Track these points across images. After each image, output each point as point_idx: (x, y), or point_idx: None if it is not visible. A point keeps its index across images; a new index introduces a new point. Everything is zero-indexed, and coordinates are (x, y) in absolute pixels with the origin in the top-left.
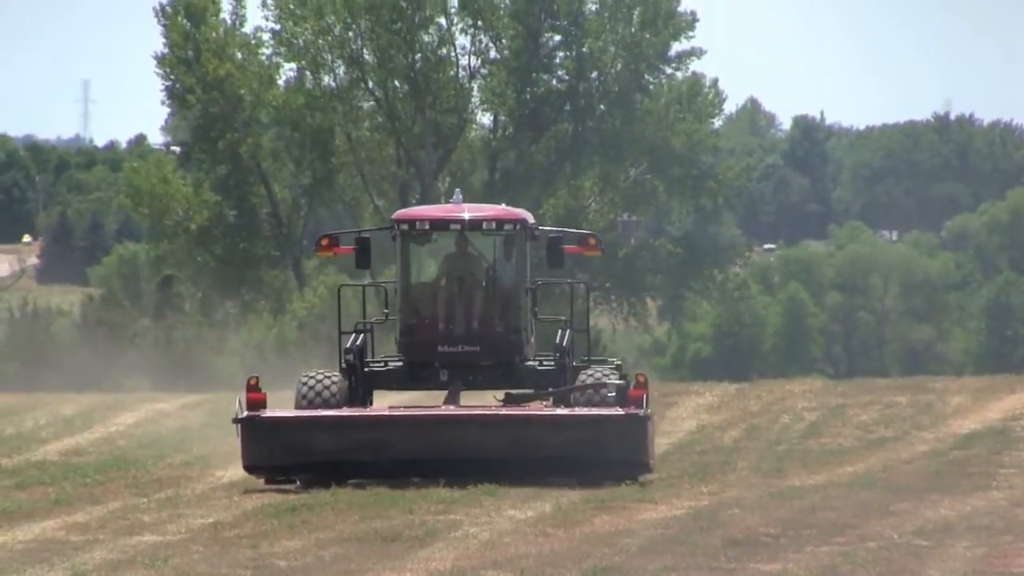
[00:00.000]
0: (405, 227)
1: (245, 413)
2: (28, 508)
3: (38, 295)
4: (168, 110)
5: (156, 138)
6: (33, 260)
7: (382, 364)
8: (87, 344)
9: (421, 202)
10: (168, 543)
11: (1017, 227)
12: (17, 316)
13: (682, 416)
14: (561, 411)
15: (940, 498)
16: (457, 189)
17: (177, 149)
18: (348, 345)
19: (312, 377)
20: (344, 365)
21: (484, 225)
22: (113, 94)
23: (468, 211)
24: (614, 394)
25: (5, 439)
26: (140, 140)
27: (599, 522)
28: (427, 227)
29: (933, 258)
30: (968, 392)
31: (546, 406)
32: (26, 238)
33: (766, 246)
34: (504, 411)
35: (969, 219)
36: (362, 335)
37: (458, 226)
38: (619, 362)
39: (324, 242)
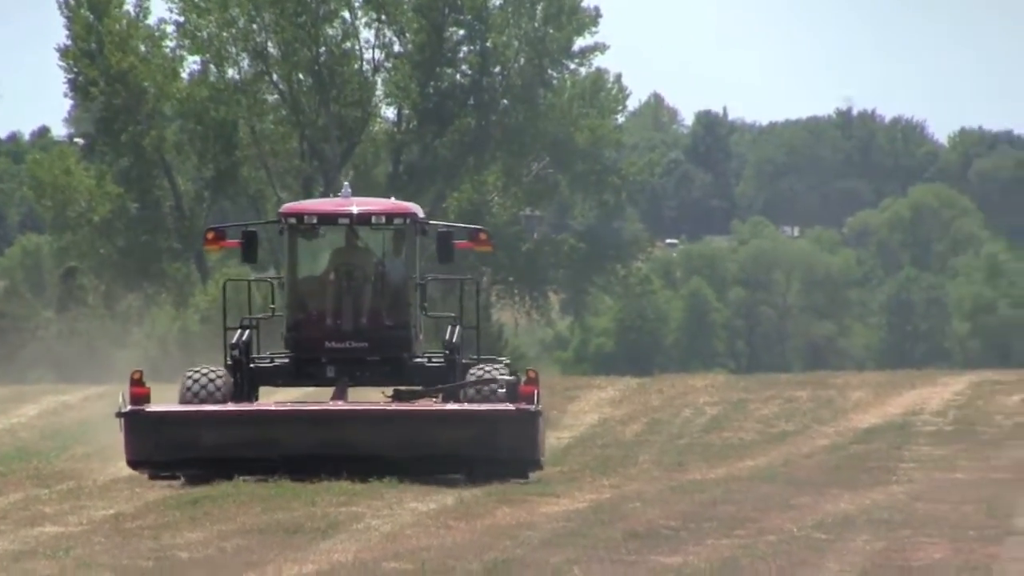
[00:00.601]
0: (292, 221)
1: (128, 407)
2: None
3: None
4: (71, 102)
5: (59, 130)
6: None
7: (268, 360)
8: None
9: (324, 195)
10: (70, 534)
11: (918, 224)
12: None
13: (584, 410)
14: (451, 407)
15: (840, 492)
16: (346, 183)
17: (80, 141)
18: (234, 340)
19: (197, 371)
20: (229, 361)
21: (373, 219)
22: (15, 85)
23: (357, 205)
24: (504, 390)
25: None
26: (43, 132)
27: (501, 515)
28: (315, 221)
29: (835, 254)
30: (868, 387)
31: (435, 402)
32: None
33: (668, 241)
34: (393, 407)
35: (871, 215)
36: (248, 330)
37: (347, 220)
38: (507, 360)
39: (210, 235)
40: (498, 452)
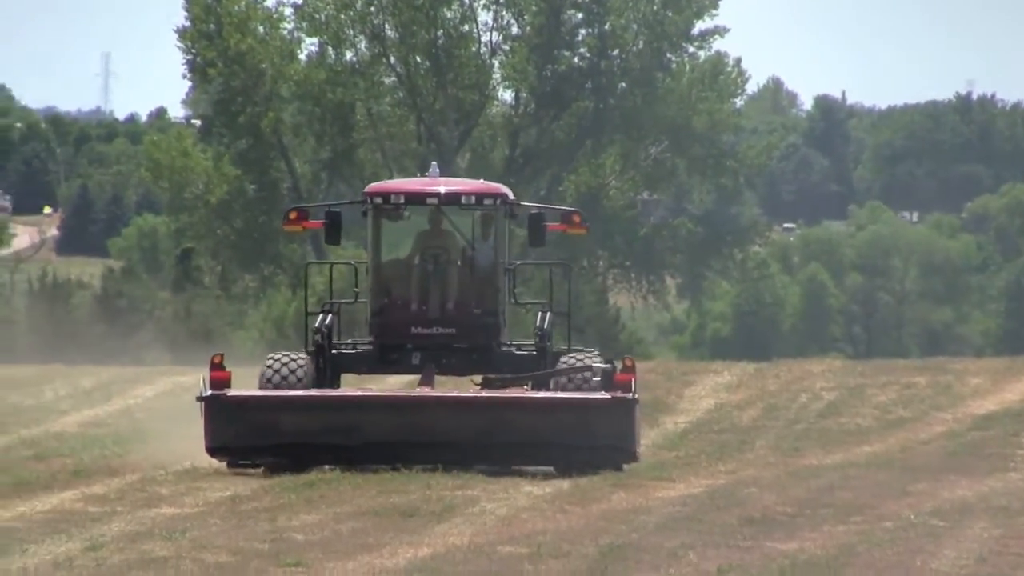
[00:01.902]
0: (378, 201)
1: (208, 392)
2: (46, 479)
3: (58, 267)
4: (189, 83)
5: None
6: (53, 232)
7: (351, 346)
8: (106, 316)
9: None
10: (186, 515)
11: None
12: (37, 288)
13: (700, 395)
14: (543, 394)
15: (957, 479)
16: (434, 162)
17: (198, 122)
18: (316, 325)
19: (278, 360)
20: (311, 347)
21: (462, 199)
22: (134, 67)
23: (444, 185)
24: (599, 378)
25: (24, 410)
26: (160, 113)
27: (616, 499)
28: (401, 201)
29: (953, 239)
30: (986, 373)
31: (526, 390)
32: (47, 210)
33: (786, 226)
34: (483, 394)
35: (990, 200)
36: (330, 315)
37: (434, 200)
38: (598, 351)
39: (292, 215)
40: (592, 442)
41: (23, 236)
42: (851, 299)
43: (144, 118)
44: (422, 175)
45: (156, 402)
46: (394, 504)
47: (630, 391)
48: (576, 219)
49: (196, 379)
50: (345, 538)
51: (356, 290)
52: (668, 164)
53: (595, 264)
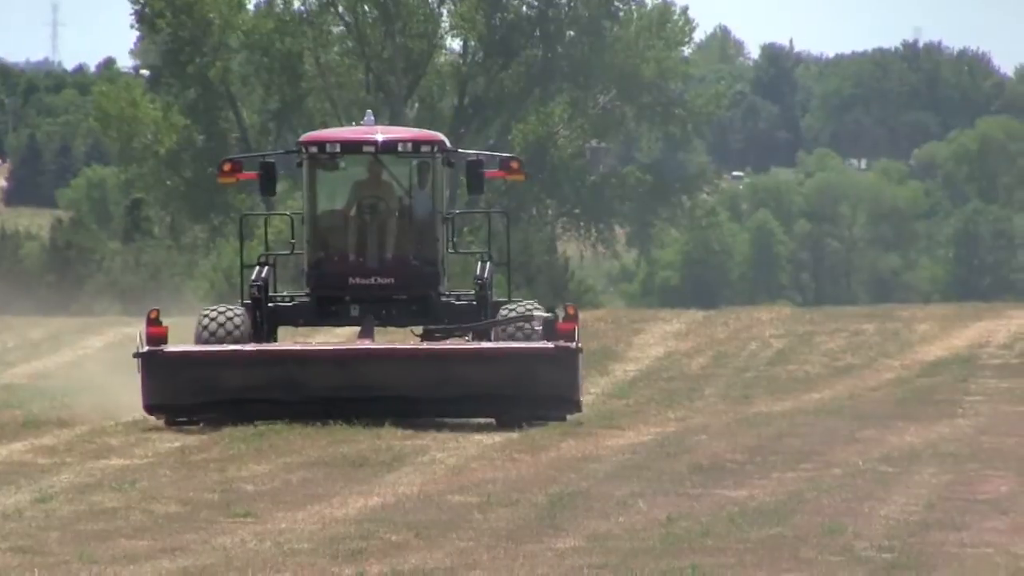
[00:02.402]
0: (313, 150)
1: (145, 348)
2: None
3: (6, 218)
4: (137, 34)
5: (125, 62)
6: (1, 183)
7: (288, 299)
8: (56, 267)
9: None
10: (135, 467)
11: (985, 156)
12: None
13: (649, 343)
14: (485, 345)
15: (906, 425)
16: (368, 111)
17: (146, 73)
18: (252, 278)
19: (214, 310)
20: (247, 300)
21: (399, 147)
22: (82, 17)
23: (381, 133)
24: (541, 327)
25: None
26: (109, 64)
27: (566, 448)
28: (337, 150)
29: (901, 186)
30: (935, 320)
31: (467, 341)
32: None
33: (735, 173)
34: (424, 346)
35: (938, 148)
36: (267, 268)
37: (371, 148)
38: (535, 302)
39: (226, 167)
40: (535, 393)
41: None
42: (799, 246)
43: (93, 68)
44: (357, 124)
45: (105, 353)
46: (343, 454)
47: (573, 340)
48: (514, 166)
49: (143, 329)
50: (295, 488)
51: (292, 241)
52: (616, 113)
53: (544, 213)
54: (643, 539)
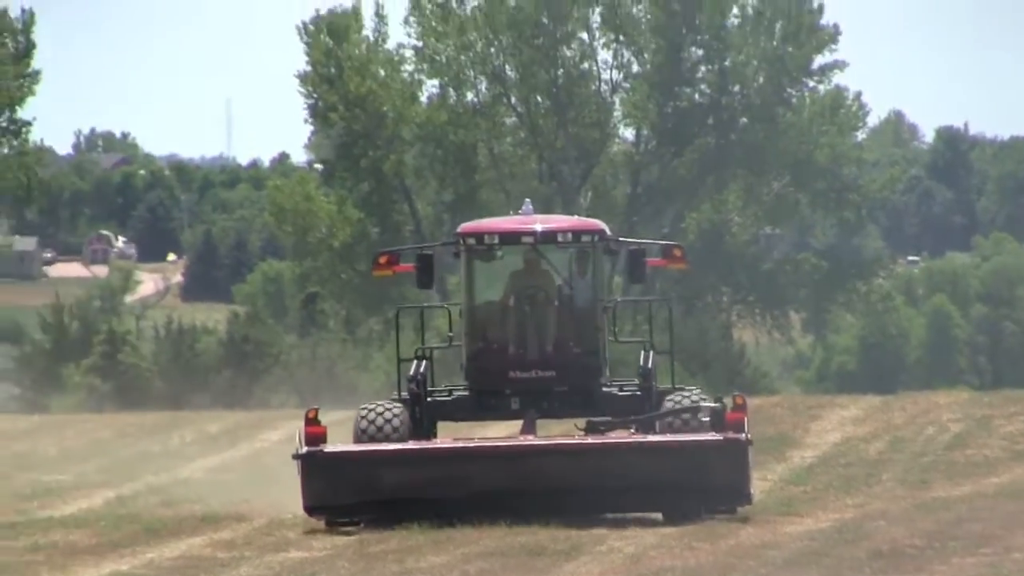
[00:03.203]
0: (472, 241)
1: (305, 449)
2: (174, 525)
3: (183, 313)
4: (311, 128)
5: (299, 156)
6: (178, 278)
7: (447, 393)
8: (233, 361)
9: None
10: (314, 559)
11: None
12: (163, 334)
13: (827, 429)
14: (653, 437)
15: None
16: (527, 199)
17: (320, 167)
18: (411, 373)
19: (372, 410)
20: (406, 395)
21: (559, 237)
22: (256, 113)
23: (540, 223)
24: (708, 418)
25: (152, 457)
26: (283, 158)
27: (744, 535)
28: (496, 241)
29: None
30: None
31: (632, 434)
32: (171, 256)
33: (910, 258)
34: (590, 440)
35: None
36: (424, 361)
37: (531, 239)
38: (699, 389)
39: (383, 260)
40: (705, 485)
41: (148, 283)
42: (977, 330)
43: (267, 163)
44: (514, 213)
45: (283, 446)
46: (521, 544)
47: (742, 431)
48: (677, 253)
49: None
50: None
51: (450, 334)
52: (790, 198)
53: (719, 300)
54: None
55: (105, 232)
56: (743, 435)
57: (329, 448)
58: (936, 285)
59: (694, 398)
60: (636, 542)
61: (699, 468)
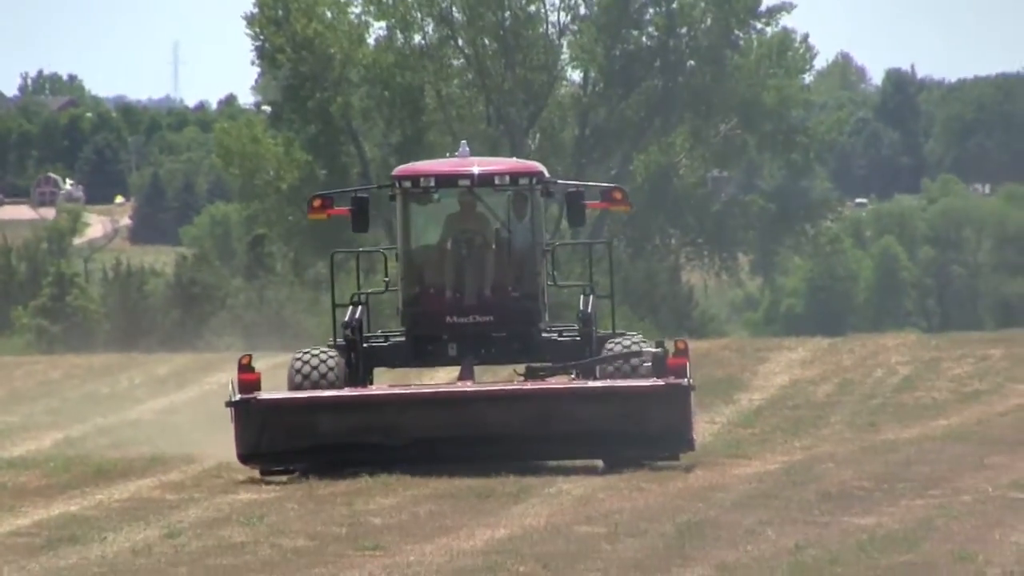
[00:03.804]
0: (407, 184)
1: (238, 396)
2: (124, 467)
3: (131, 255)
4: (258, 70)
5: (246, 98)
6: (126, 221)
7: (383, 339)
8: (180, 304)
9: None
10: (263, 501)
11: None
12: (111, 277)
13: (775, 371)
14: (593, 383)
15: None
16: (463, 141)
17: (267, 109)
18: (346, 319)
19: (307, 353)
20: (341, 341)
21: (496, 179)
22: (203, 55)
23: (477, 165)
24: (650, 363)
25: (100, 399)
26: (230, 100)
27: (693, 478)
28: (432, 183)
29: None
30: None
31: (572, 379)
32: (119, 199)
33: (858, 200)
34: (529, 385)
35: None
36: (360, 307)
37: (467, 182)
38: (640, 335)
39: (316, 203)
40: (647, 432)
41: (96, 226)
42: (924, 272)
43: (214, 106)
44: (450, 155)
45: (230, 388)
46: (469, 487)
47: (684, 376)
48: (617, 196)
49: (270, 365)
50: (422, 521)
51: (386, 279)
52: (738, 141)
53: (667, 243)
54: (772, 568)
55: (53, 175)
56: (685, 380)
57: (263, 395)
58: (884, 227)
59: (635, 342)
60: (584, 485)
61: (640, 414)
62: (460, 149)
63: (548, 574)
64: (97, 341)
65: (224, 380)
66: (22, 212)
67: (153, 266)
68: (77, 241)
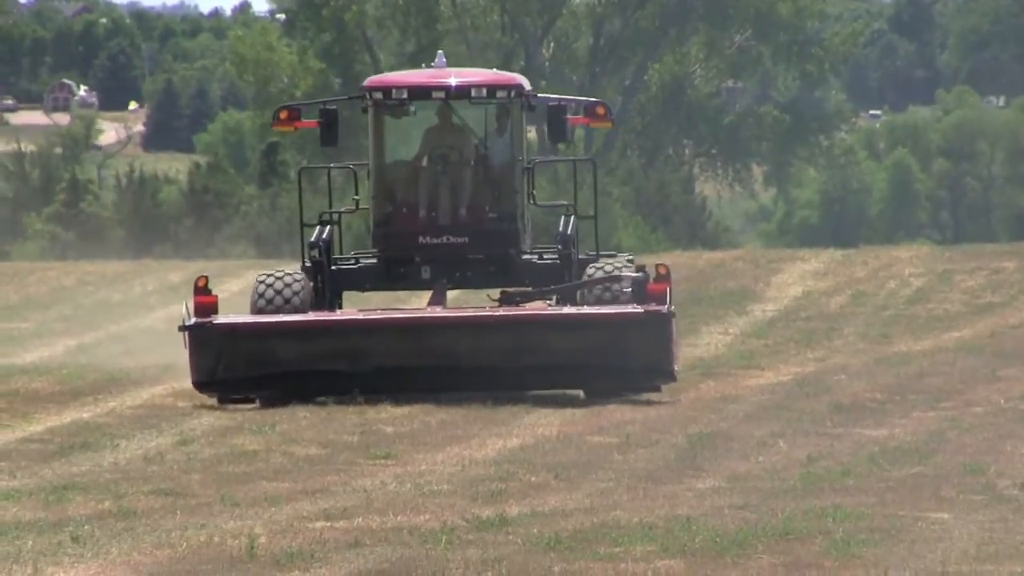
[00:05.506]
0: (379, 96)
1: (192, 320)
2: (136, 374)
3: (144, 162)
4: None
5: (261, 6)
6: (139, 127)
7: (352, 261)
8: (193, 211)
9: (525, 71)
10: (275, 410)
11: None
12: (124, 184)
13: (788, 282)
14: (569, 310)
15: None
16: (440, 51)
17: (282, 17)
18: (313, 239)
19: (271, 275)
20: (308, 262)
21: (473, 92)
22: None
23: (454, 76)
24: (630, 289)
25: (113, 306)
26: (245, 7)
27: (705, 388)
28: (405, 95)
29: None
30: None
31: (550, 306)
32: (132, 105)
33: (872, 112)
34: (502, 312)
35: None
36: (328, 227)
37: (442, 94)
38: (631, 256)
39: (283, 115)
40: (625, 362)
41: (110, 132)
42: (938, 184)
43: (228, 13)
44: (427, 65)
45: (243, 297)
46: (482, 397)
47: (665, 303)
48: (600, 112)
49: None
50: (434, 430)
51: (356, 197)
52: (753, 52)
53: (681, 153)
54: (783, 479)
55: (67, 80)
56: (666, 307)
57: (219, 319)
58: (898, 139)
59: (617, 266)
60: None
61: (618, 343)
62: (437, 59)
63: (560, 484)
64: (110, 248)
65: (236, 288)
66: (36, 118)
67: (167, 173)
68: (91, 148)
